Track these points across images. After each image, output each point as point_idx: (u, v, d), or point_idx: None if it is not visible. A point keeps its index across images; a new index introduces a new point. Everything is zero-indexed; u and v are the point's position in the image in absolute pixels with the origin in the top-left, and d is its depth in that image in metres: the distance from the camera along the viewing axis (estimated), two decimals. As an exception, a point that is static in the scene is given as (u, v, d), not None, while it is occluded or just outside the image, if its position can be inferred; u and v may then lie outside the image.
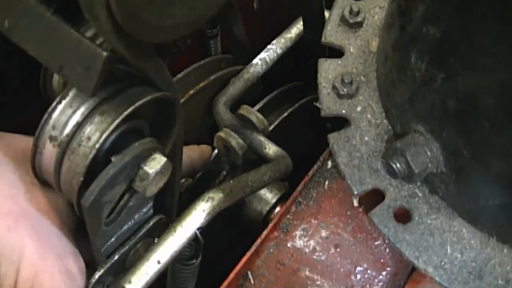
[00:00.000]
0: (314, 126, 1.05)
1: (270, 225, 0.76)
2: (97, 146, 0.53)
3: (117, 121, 0.53)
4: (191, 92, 0.87)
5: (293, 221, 0.77)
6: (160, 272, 0.63)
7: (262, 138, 0.86)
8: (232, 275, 0.74)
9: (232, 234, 0.98)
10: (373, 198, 0.64)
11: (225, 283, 0.74)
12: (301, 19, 0.90)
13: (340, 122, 0.79)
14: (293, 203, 0.78)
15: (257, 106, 0.91)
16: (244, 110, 0.87)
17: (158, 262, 0.62)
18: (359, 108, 0.62)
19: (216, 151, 0.91)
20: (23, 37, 0.51)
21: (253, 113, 0.86)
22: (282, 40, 0.93)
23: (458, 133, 0.55)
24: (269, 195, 0.93)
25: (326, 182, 0.77)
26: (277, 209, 0.92)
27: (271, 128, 0.91)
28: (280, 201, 0.92)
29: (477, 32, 0.50)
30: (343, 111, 0.62)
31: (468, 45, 0.51)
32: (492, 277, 0.56)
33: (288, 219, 0.77)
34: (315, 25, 0.86)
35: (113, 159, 0.54)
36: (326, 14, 0.85)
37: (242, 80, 0.90)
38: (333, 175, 0.78)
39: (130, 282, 0.61)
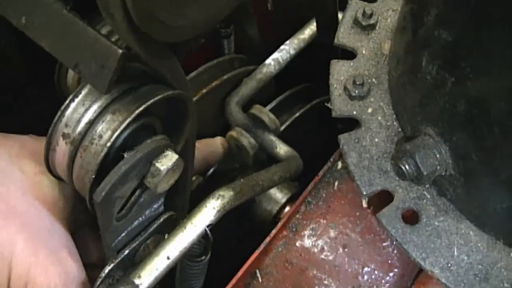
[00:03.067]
0: (325, 127, 1.06)
1: (279, 224, 0.77)
2: (108, 144, 0.54)
3: (128, 120, 0.54)
4: (204, 91, 0.88)
5: (302, 220, 0.78)
6: (170, 268, 0.64)
7: (274, 138, 0.86)
8: (240, 272, 0.75)
9: (241, 233, 0.98)
10: (381, 199, 0.64)
11: (233, 280, 0.75)
12: (314, 20, 0.91)
13: (351, 123, 0.80)
14: (302, 202, 0.78)
15: (269, 106, 0.92)
16: (256, 110, 0.88)
17: (168, 258, 0.63)
18: (370, 110, 0.63)
19: (227, 150, 0.91)
20: (40, 33, 0.52)
21: (265, 113, 0.87)
22: (295, 41, 0.93)
23: (467, 137, 0.55)
24: (279, 195, 0.93)
25: (336, 183, 0.78)
26: (287, 208, 0.92)
27: (282, 128, 0.91)
28: (290, 201, 0.92)
29: (489, 38, 0.51)
30: (354, 113, 0.63)
31: (480, 50, 0.51)
32: (498, 280, 0.57)
33: (297, 218, 0.78)
34: (328, 27, 0.87)
35: (125, 155, 0.55)
36: (340, 16, 0.85)
37: (255, 80, 0.90)
38: (343, 176, 0.78)
39: (139, 277, 0.62)
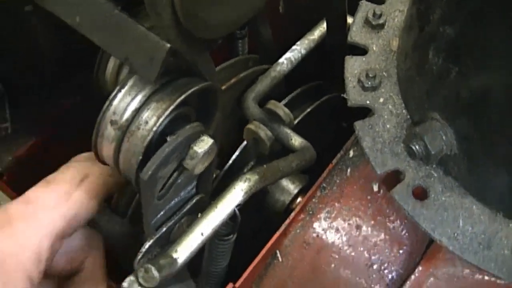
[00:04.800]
0: (333, 123, 1.13)
1: (298, 207, 0.83)
2: (154, 129, 0.60)
3: (171, 107, 0.61)
4: (223, 87, 0.95)
5: (318, 204, 0.85)
6: (203, 243, 0.70)
7: (288, 131, 0.93)
8: (263, 252, 0.81)
9: (256, 223, 1.05)
10: (392, 181, 0.71)
11: (256, 260, 0.81)
12: (324, 22, 0.98)
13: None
14: (318, 188, 0.85)
15: (283, 102, 0.99)
16: (272, 104, 0.95)
17: (202, 234, 0.70)
18: (381, 100, 0.70)
19: (244, 143, 0.98)
20: (92, 30, 0.59)
21: (280, 108, 0.94)
22: (306, 42, 1.00)
23: (469, 121, 0.62)
24: (291, 186, 1.00)
25: (348, 170, 0.85)
26: (299, 199, 0.99)
27: (295, 122, 0.98)
28: (301, 192, 0.99)
29: (487, 35, 0.58)
30: (367, 102, 0.70)
31: (479, 46, 0.58)
32: (499, 248, 0.64)
33: (314, 203, 0.85)
34: (337, 29, 0.94)
35: (168, 139, 0.62)
36: (349, 19, 0.93)
37: (269, 78, 0.97)
38: (355, 164, 0.85)
39: (176, 251, 0.69)
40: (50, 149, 0.81)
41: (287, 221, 0.83)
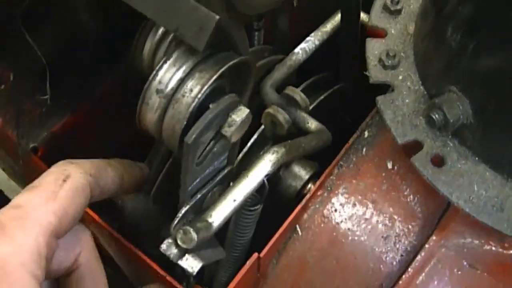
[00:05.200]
0: (340, 115, 1.19)
1: (317, 183, 0.89)
2: (199, 96, 0.66)
3: (215, 76, 0.66)
4: (242, 75, 1.00)
5: (335, 181, 0.90)
6: (235, 210, 0.75)
7: (305, 115, 0.99)
8: (284, 225, 0.86)
9: (268, 207, 1.10)
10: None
11: (277, 234, 0.86)
12: (337, 14, 1.04)
13: (359, 116, 0.93)
14: (335, 166, 0.91)
15: (299, 89, 1.04)
16: (290, 90, 1.00)
17: (234, 201, 0.75)
18: (400, 77, 0.76)
19: (261, 128, 1.03)
20: (144, 4, 0.64)
21: (297, 93, 0.99)
22: (319, 33, 1.06)
23: (484, 93, 0.68)
24: (303, 172, 1.05)
25: (364, 149, 0.90)
26: (309, 185, 1.04)
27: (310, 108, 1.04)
28: (312, 178, 1.04)
29: (499, 14, 0.64)
30: (388, 79, 0.76)
31: (496, 20, 0.65)
32: (511, 210, 0.70)
33: (332, 179, 0.90)
34: (350, 22, 1.00)
35: (210, 106, 0.67)
36: (362, 15, 0.99)
37: (286, 66, 1.03)
38: (370, 144, 0.91)
39: (211, 216, 0.74)
40: (84, 127, 0.85)
41: (308, 195, 0.88)
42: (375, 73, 0.77)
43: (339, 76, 1.16)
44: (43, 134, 0.82)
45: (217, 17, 0.61)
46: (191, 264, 0.70)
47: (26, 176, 0.89)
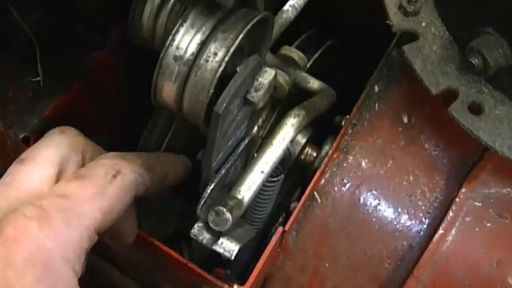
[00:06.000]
0: (338, 68, 1.13)
1: (334, 145, 0.83)
2: (226, 59, 0.59)
3: (241, 36, 0.59)
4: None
5: (351, 141, 0.85)
6: (263, 182, 0.69)
7: (305, 74, 0.93)
8: (305, 195, 0.80)
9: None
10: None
11: (300, 203, 0.80)
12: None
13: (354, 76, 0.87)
14: (349, 126, 0.85)
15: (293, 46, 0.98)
16: (286, 50, 0.94)
17: (262, 172, 0.69)
18: (424, 24, 0.71)
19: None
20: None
21: (295, 52, 0.93)
22: (308, -13, 1.00)
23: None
24: (299, 136, 1.00)
25: (376, 105, 0.85)
26: (307, 149, 0.99)
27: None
28: (309, 141, 0.99)
29: None
30: (411, 26, 0.71)
31: None
32: (558, 153, 0.67)
33: (346, 140, 0.85)
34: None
35: (238, 69, 0.60)
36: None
37: (277, 25, 0.96)
38: (382, 98, 0.86)
39: (240, 192, 0.67)
40: (79, 108, 0.76)
41: (326, 159, 0.82)
42: (398, 21, 0.71)
43: (327, 32, 1.11)
44: (33, 121, 0.73)
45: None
46: (228, 247, 0.64)
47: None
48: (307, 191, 0.81)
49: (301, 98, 0.94)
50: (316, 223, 0.84)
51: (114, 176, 0.63)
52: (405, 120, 0.84)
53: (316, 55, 1.01)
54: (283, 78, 0.91)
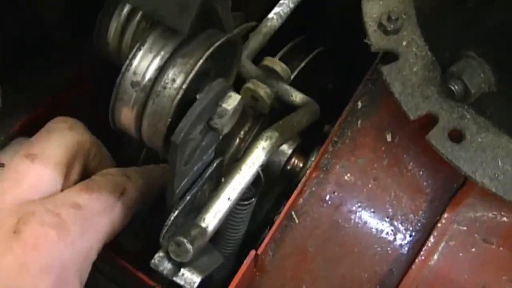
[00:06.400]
0: (324, 85, 1.10)
1: (313, 165, 0.80)
2: (184, 86, 0.55)
3: (200, 61, 0.56)
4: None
5: (331, 159, 0.81)
6: (230, 209, 0.66)
7: (288, 87, 0.89)
8: (280, 217, 0.77)
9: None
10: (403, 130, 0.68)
11: (274, 226, 0.77)
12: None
13: (344, 79, 0.83)
14: (330, 143, 0.82)
15: (276, 57, 0.94)
16: (268, 61, 0.90)
17: (228, 199, 0.65)
18: (404, 43, 0.67)
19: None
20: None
21: (277, 64, 0.89)
22: (294, -5, 0.96)
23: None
24: (285, 146, 0.96)
25: (359, 121, 0.82)
26: (293, 159, 0.96)
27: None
28: (295, 151, 0.96)
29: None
30: (391, 46, 0.67)
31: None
32: (543, 186, 0.63)
33: (327, 158, 0.82)
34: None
35: (198, 96, 0.56)
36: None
37: (261, 34, 0.93)
38: (365, 114, 0.82)
39: (204, 220, 0.64)
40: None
41: (304, 179, 0.79)
42: (377, 40, 0.67)
43: (315, 40, 1.07)
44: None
45: (202, -9, 0.50)
46: (189, 279, 0.61)
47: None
48: (285, 210, 0.78)
49: (286, 110, 0.90)
50: (293, 245, 0.81)
51: (121, 194, 0.64)
52: (389, 138, 0.80)
53: (302, 64, 0.98)
54: (264, 91, 0.88)
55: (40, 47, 0.73)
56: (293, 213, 0.81)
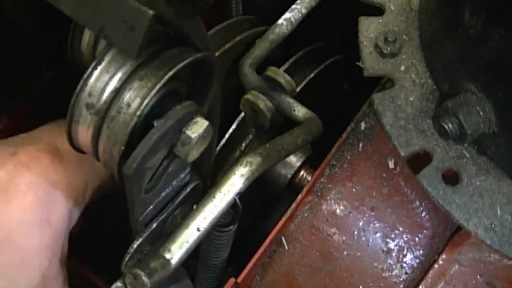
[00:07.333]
0: (339, 88, 1.03)
1: (305, 189, 0.74)
2: (138, 113, 0.50)
3: (158, 86, 0.51)
4: (216, 54, 0.84)
5: (327, 184, 0.76)
6: (200, 239, 0.61)
7: (291, 100, 0.83)
8: (266, 242, 0.73)
9: (257, 199, 0.96)
10: (416, 159, 0.62)
11: (260, 250, 0.73)
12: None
13: (359, 82, 0.77)
14: (326, 166, 0.76)
15: (283, 68, 0.89)
16: (271, 71, 0.84)
17: (198, 230, 0.61)
18: (402, 68, 0.60)
19: (241, 115, 0.88)
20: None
21: (281, 75, 0.83)
22: (306, 0, 0.89)
23: (513, 92, 0.53)
24: (293, 158, 0.91)
25: (360, 144, 0.76)
26: (302, 172, 0.90)
27: (297, 90, 0.88)
28: (304, 164, 0.90)
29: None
30: (387, 71, 0.60)
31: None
32: (544, 240, 0.55)
33: (322, 182, 0.76)
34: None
35: (155, 123, 0.52)
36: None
37: (268, 41, 0.87)
38: (367, 137, 0.76)
39: (170, 251, 0.60)
40: (22, 132, 0.70)
41: (294, 204, 0.74)
42: (371, 63, 0.60)
43: (331, 46, 1.01)
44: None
45: (151, 12, 0.45)
46: (147, 312, 0.57)
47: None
48: (273, 234, 0.73)
49: (290, 122, 0.85)
50: (281, 271, 0.76)
51: None
52: (391, 165, 0.73)
53: (311, 75, 0.91)
54: (264, 104, 0.83)
55: (13, 55, 0.70)
56: (283, 238, 0.76)
